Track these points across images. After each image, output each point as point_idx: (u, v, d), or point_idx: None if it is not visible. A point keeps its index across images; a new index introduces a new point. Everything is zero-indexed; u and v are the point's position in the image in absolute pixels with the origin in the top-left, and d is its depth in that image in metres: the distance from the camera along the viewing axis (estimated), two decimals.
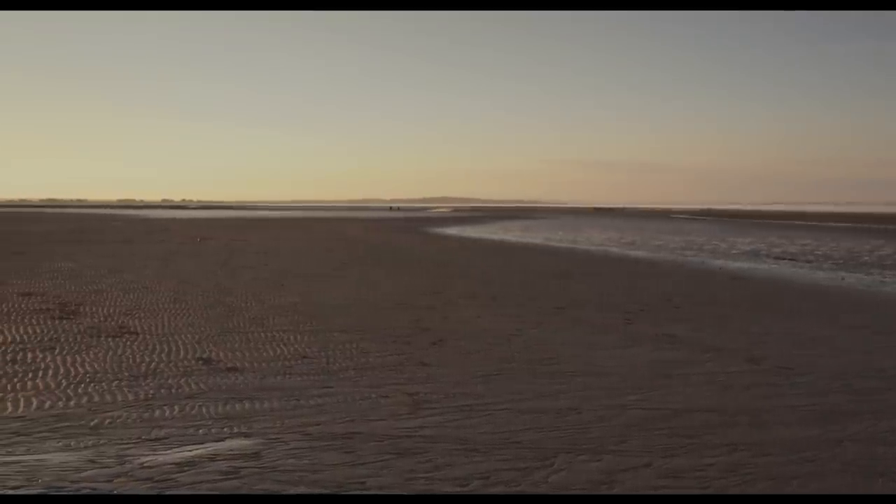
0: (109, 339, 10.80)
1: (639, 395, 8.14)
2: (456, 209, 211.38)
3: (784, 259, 30.31)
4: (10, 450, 6.10)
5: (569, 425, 6.99)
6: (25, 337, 10.86)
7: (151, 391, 8.08)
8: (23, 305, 13.75)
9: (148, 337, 11.06)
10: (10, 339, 10.71)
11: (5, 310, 13.18)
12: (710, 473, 5.81)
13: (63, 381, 8.49)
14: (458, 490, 5.39)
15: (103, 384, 8.33)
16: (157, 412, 7.29)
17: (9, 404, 7.51)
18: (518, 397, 7.96)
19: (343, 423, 6.99)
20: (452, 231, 56.85)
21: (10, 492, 5.18)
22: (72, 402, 7.62)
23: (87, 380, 8.53)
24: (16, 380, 8.47)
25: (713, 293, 18.02)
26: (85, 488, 5.24)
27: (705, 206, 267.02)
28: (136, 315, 12.97)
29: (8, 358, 9.52)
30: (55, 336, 10.98)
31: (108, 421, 6.99)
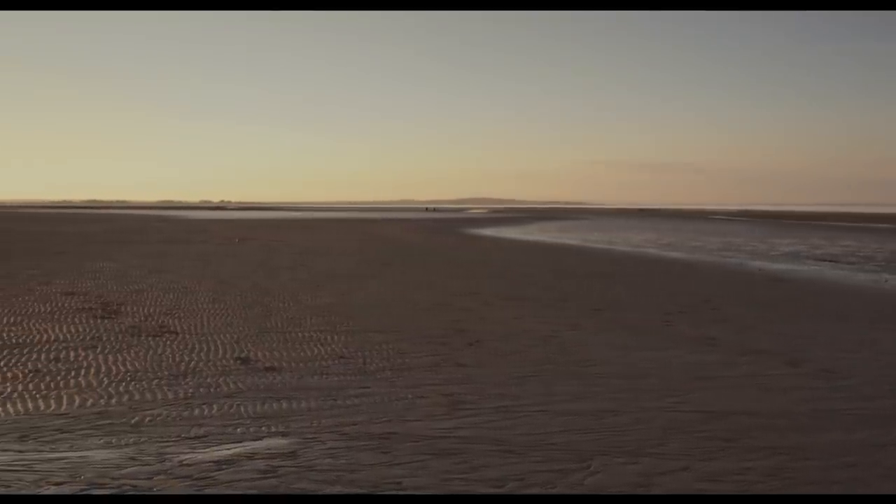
0: (150, 339, 10.95)
1: (677, 397, 8.06)
2: (493, 210, 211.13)
3: (825, 261, 29.86)
4: (53, 446, 6.21)
5: (606, 427, 6.95)
6: (68, 335, 11.05)
7: (191, 390, 8.17)
8: (66, 304, 13.99)
9: (187, 336, 11.19)
10: (53, 337, 10.90)
11: (49, 309, 13.42)
12: (749, 477, 5.73)
13: (105, 379, 8.62)
14: (494, 491, 5.38)
15: (144, 383, 8.45)
16: (197, 411, 7.38)
17: (52, 402, 7.64)
18: (555, 399, 7.93)
19: (380, 423, 7.01)
20: (489, 232, 56.82)
21: (54, 489, 5.26)
22: (113, 400, 7.73)
23: (128, 378, 8.65)
24: (59, 377, 8.62)
25: (753, 295, 17.80)
26: (126, 485, 5.31)
27: (744, 207, 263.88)
28: (176, 315, 13.13)
29: (51, 356, 9.70)
30: (97, 335, 11.15)
31: (148, 419, 7.09)
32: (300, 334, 11.47)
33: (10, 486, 5.25)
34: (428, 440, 6.48)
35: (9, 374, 8.72)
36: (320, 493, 5.29)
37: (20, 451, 6.06)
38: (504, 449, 6.27)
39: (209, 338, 11.07)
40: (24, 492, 5.19)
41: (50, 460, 5.83)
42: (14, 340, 10.61)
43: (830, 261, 29.81)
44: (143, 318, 12.68)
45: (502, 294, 16.81)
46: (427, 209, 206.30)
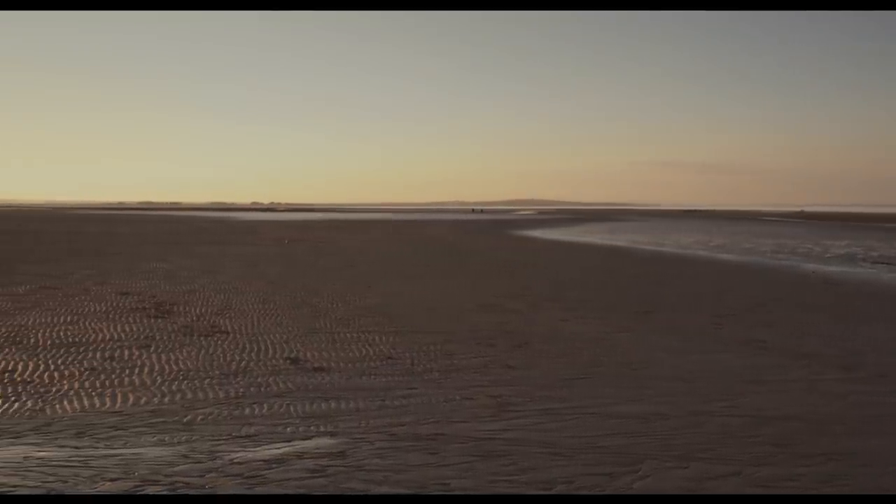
0: (202, 338, 11.11)
1: (728, 401, 7.95)
2: (540, 211, 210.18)
3: (881, 263, 29.19)
4: (108, 443, 6.34)
5: (655, 431, 6.88)
6: (123, 335, 11.27)
7: (241, 389, 8.28)
8: (120, 304, 14.27)
9: (238, 336, 11.34)
10: (108, 336, 11.13)
11: (104, 308, 13.70)
12: (803, 483, 5.63)
13: (158, 378, 8.78)
14: (542, 492, 5.36)
15: (196, 382, 8.58)
16: (247, 410, 7.47)
17: (107, 399, 7.81)
18: (603, 401, 7.87)
19: (427, 424, 7.03)
20: (537, 233, 56.60)
21: (109, 486, 5.36)
22: (166, 399, 7.87)
23: (181, 377, 8.80)
24: (114, 376, 8.80)
25: (806, 298, 17.49)
26: (178, 483, 5.39)
27: (797, 208, 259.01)
28: (227, 315, 13.31)
29: (107, 355, 9.90)
30: (150, 334, 11.36)
31: (200, 417, 7.20)
32: (348, 335, 11.55)
33: (67, 482, 5.36)
34: (475, 442, 6.48)
35: (66, 373, 8.93)
36: (368, 493, 5.31)
37: (76, 448, 6.20)
38: (552, 451, 6.24)
39: (259, 338, 11.21)
40: (24, 492, 5.26)
41: (105, 457, 5.95)
42: (71, 339, 10.86)
43: (886, 263, 29.13)
44: (195, 318, 12.88)
45: (550, 296, 16.74)
46: (473, 210, 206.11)
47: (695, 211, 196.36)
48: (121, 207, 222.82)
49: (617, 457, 6.14)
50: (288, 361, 9.70)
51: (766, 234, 56.55)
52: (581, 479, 5.61)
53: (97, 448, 6.20)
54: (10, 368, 9.08)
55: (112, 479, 5.42)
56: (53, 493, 5.20)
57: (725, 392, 8.34)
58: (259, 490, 5.29)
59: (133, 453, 6.05)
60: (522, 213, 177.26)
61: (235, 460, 5.90)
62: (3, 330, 11.45)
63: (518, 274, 22.30)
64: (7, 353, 9.88)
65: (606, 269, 24.92)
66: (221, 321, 12.64)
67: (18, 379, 8.60)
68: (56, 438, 6.47)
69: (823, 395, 8.27)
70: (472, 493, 5.34)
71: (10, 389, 8.14)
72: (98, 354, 9.93)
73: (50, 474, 5.50)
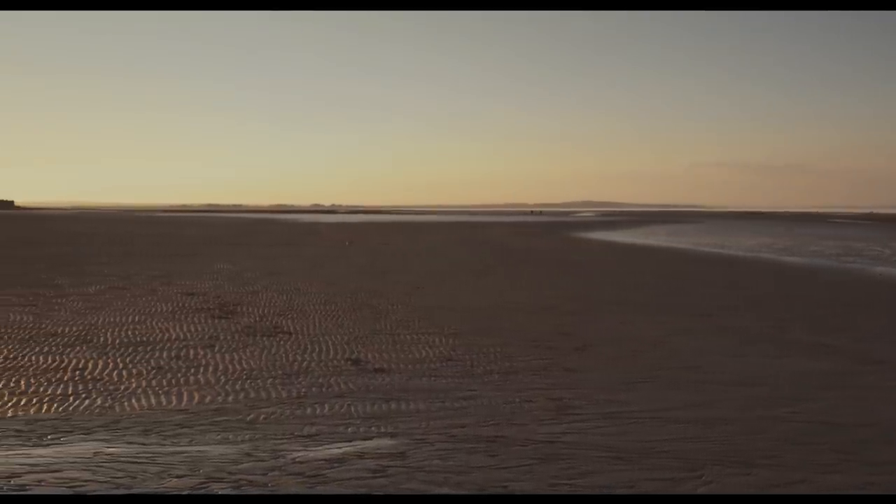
0: (264, 339, 11.29)
1: (792, 407, 7.79)
2: (600, 213, 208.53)
3: None
4: (175, 440, 6.49)
5: (717, 436, 6.78)
6: (188, 334, 11.51)
7: (303, 389, 8.39)
8: (186, 304, 14.58)
9: (300, 337, 11.48)
10: (174, 336, 11.38)
11: (171, 308, 14.01)
12: (872, 492, 5.49)
13: (222, 377, 8.94)
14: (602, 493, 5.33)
15: (259, 381, 8.72)
16: (309, 409, 7.57)
17: (173, 398, 7.98)
18: (664, 405, 7.78)
19: (487, 426, 7.03)
20: (596, 235, 56.17)
21: (175, 482, 5.49)
22: (230, 398, 8.02)
23: (244, 377, 8.95)
24: (179, 375, 8.99)
25: (874, 301, 17.04)
26: (242, 481, 5.49)
27: (868, 210, 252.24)
28: (289, 315, 13.49)
29: (173, 354, 10.13)
30: (215, 334, 11.58)
31: (263, 416, 7.32)
32: (408, 336, 11.62)
33: (135, 478, 5.50)
34: (535, 444, 6.47)
35: (134, 371, 9.16)
36: (423, 493, 5.34)
37: (144, 444, 6.36)
38: (613, 455, 6.19)
39: (321, 338, 11.34)
40: (94, 487, 5.39)
41: (171, 454, 6.09)
42: (139, 339, 11.13)
43: None
44: (257, 319, 13.09)
45: (609, 298, 16.61)
46: (532, 212, 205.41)
47: (759, 213, 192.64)
48: (185, 210, 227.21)
49: (679, 461, 6.06)
50: (349, 362, 9.80)
51: (832, 237, 55.24)
52: (643, 484, 5.56)
53: (164, 445, 6.35)
54: (81, 366, 9.36)
55: (178, 476, 5.55)
56: (122, 490, 5.34)
57: (789, 397, 8.17)
58: (320, 489, 5.36)
59: (198, 451, 6.18)
60: (582, 214, 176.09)
61: (297, 459, 5.99)
62: (75, 329, 11.79)
63: (577, 276, 22.17)
64: (78, 352, 10.18)
65: (667, 271, 24.62)
66: (284, 322, 12.82)
67: (89, 377, 8.86)
68: (124, 435, 6.64)
69: (893, 403, 8.05)
70: (531, 494, 5.33)
71: (81, 387, 8.38)
72: (164, 353, 10.17)
73: (119, 470, 5.65)
